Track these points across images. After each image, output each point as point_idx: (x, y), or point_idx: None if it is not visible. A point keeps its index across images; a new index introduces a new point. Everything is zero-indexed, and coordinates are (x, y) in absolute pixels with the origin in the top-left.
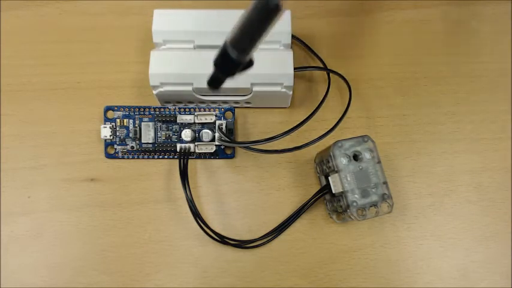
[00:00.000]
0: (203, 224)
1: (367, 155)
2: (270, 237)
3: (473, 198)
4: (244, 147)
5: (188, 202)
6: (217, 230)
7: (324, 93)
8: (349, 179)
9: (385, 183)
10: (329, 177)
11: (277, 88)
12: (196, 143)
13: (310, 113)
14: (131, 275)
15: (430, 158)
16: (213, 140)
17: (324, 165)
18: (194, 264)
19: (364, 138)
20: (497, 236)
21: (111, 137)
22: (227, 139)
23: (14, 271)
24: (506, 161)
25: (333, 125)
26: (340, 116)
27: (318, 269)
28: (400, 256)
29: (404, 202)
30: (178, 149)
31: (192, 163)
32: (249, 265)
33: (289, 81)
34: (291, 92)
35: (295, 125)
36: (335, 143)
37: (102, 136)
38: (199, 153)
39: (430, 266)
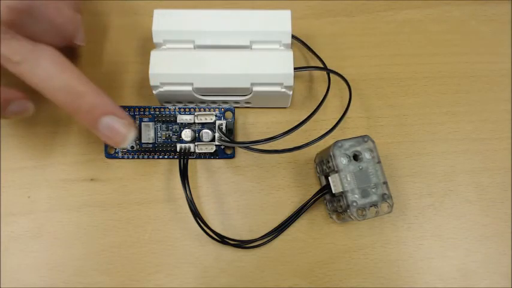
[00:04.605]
0: (203, 224)
1: (367, 155)
2: (270, 237)
3: (473, 198)
4: (244, 147)
5: (188, 202)
6: (217, 230)
7: (324, 93)
8: (349, 179)
9: (385, 183)
10: (329, 177)
11: (277, 88)
12: (196, 143)
13: (310, 113)
14: (131, 275)
15: (430, 158)
16: (213, 140)
17: (324, 165)
18: (194, 264)
19: (364, 138)
20: (497, 236)
21: None
22: (227, 139)
23: (14, 271)
24: (506, 161)
25: (333, 125)
26: (340, 116)
27: (318, 269)
28: (400, 256)
29: (404, 202)
30: (178, 149)
31: (192, 163)
32: (249, 265)
33: (289, 81)
34: (291, 92)
35: (295, 125)
36: (335, 143)
37: None
38: (199, 153)
39: (430, 266)
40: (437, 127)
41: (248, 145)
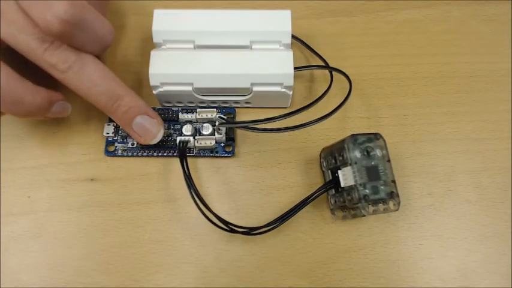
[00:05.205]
0: (195, 194)
1: (378, 153)
2: (276, 224)
3: (473, 198)
4: (244, 126)
5: (185, 176)
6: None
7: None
8: (361, 172)
9: (393, 181)
10: (339, 170)
11: (277, 88)
12: (196, 137)
13: (311, 101)
14: (131, 275)
15: (430, 158)
16: (212, 134)
17: (334, 158)
18: (194, 264)
19: (376, 136)
20: (497, 236)
21: (113, 135)
22: (224, 120)
23: (14, 271)
24: (506, 161)
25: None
26: (340, 103)
27: (318, 269)
28: (400, 256)
29: (404, 202)
30: (177, 141)
31: (192, 163)
32: (249, 265)
33: (289, 81)
34: (291, 92)
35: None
36: (351, 136)
37: (105, 133)
38: (199, 148)
39: (430, 266)
40: (437, 127)
41: (247, 124)
